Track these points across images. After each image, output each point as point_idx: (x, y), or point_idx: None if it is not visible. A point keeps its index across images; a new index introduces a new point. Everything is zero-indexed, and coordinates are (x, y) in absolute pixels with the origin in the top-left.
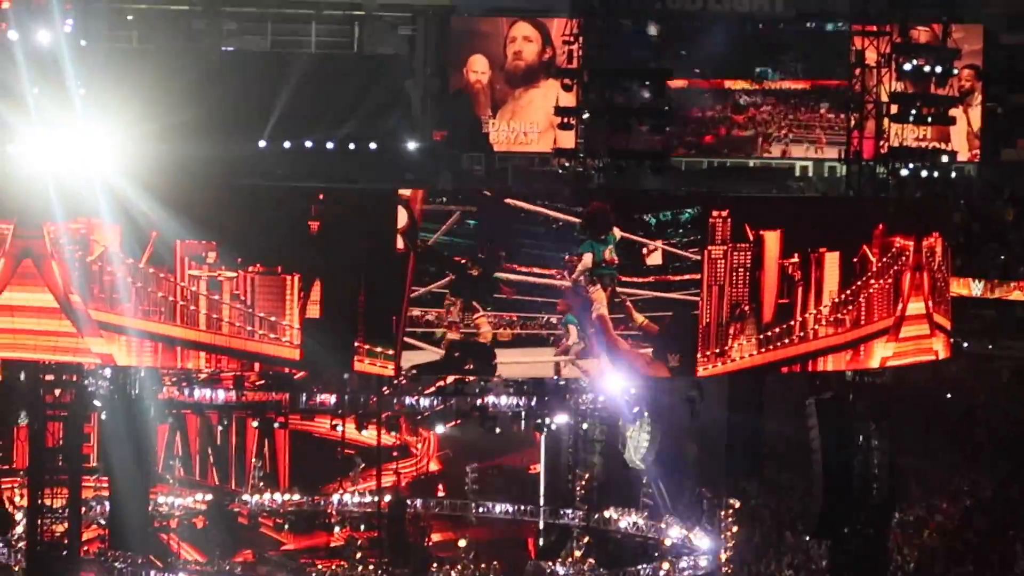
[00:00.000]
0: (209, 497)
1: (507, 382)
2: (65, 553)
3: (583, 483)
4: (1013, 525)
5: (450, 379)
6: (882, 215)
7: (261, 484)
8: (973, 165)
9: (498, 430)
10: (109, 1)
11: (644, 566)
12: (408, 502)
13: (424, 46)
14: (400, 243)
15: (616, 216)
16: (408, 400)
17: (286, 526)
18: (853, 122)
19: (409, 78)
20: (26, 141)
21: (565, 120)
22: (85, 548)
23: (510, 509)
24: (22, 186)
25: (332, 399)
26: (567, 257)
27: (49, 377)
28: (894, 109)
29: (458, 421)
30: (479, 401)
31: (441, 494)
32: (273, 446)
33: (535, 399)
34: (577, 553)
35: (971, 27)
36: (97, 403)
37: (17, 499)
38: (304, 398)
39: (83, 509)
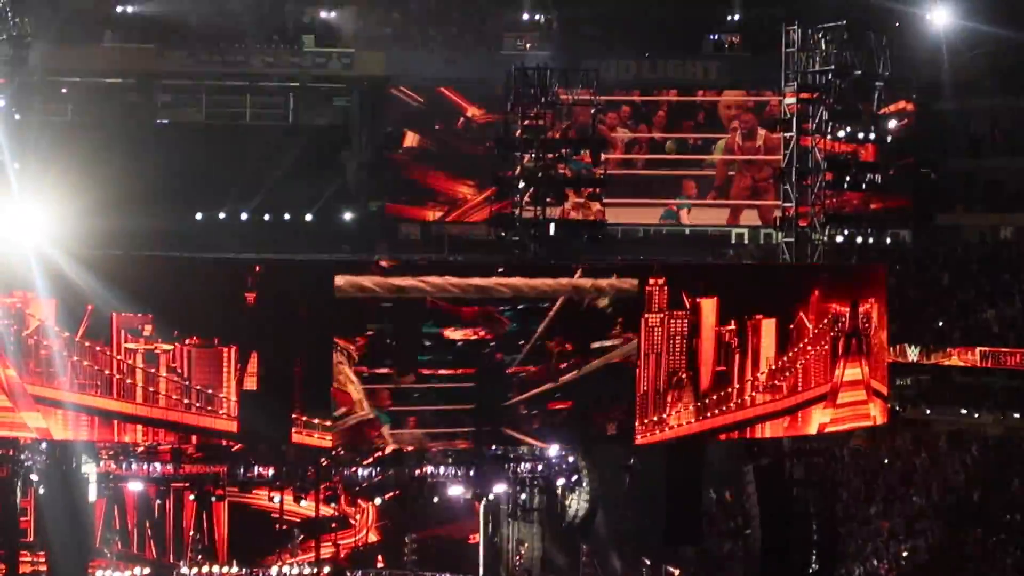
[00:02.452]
0: (147, 571)
1: (446, 452)
2: None
3: (522, 552)
4: None
5: (388, 449)
6: (818, 281)
7: (200, 557)
8: (908, 231)
9: (436, 499)
10: (43, 75)
11: None
12: (347, 574)
13: (359, 117)
14: None
15: None
16: (346, 471)
17: None
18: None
19: (345, 149)
20: None
21: (501, 189)
22: None
23: None
24: None
25: (270, 471)
26: None
27: None
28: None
29: (397, 492)
30: (417, 472)
31: (380, 565)
32: (212, 518)
33: (473, 469)
34: None
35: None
36: (34, 477)
37: None
38: (242, 470)
39: None
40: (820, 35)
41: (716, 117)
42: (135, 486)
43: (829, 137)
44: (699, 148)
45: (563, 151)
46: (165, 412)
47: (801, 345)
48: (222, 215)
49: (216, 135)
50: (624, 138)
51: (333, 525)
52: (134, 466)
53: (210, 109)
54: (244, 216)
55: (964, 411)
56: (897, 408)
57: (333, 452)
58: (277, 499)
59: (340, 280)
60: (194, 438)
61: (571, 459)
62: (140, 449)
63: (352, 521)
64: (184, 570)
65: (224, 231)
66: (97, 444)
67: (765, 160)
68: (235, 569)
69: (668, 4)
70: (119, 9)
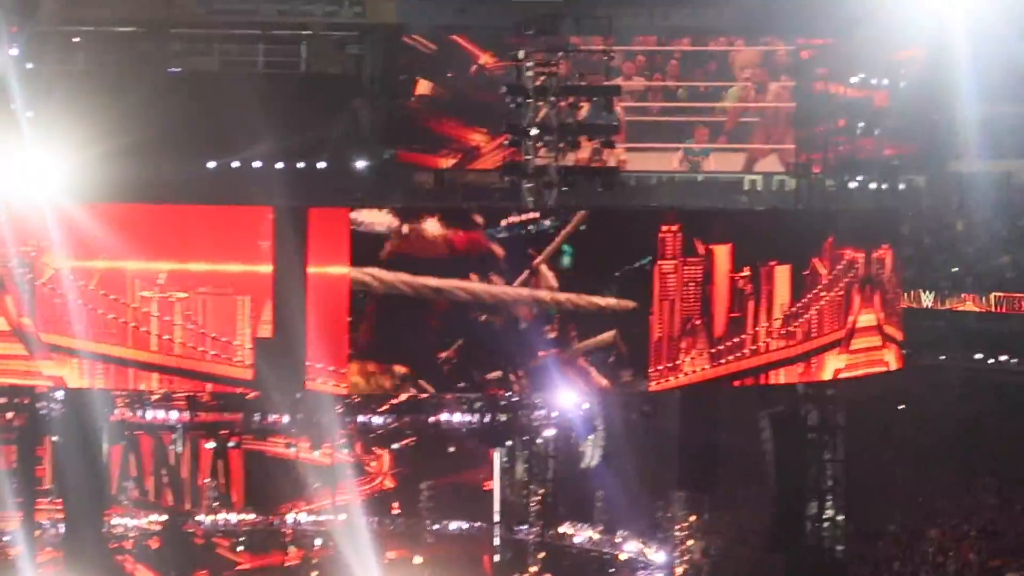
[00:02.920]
0: (164, 518)
1: (459, 399)
2: None
3: (537, 499)
4: (966, 535)
5: (403, 396)
6: (832, 228)
7: (216, 504)
8: (922, 177)
9: (451, 448)
10: (55, 24)
11: None
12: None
13: (372, 65)
14: None
15: None
16: (361, 418)
17: (241, 546)
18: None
19: (357, 97)
20: None
21: (513, 137)
22: (39, 572)
23: (465, 526)
24: None
25: (285, 419)
26: None
27: (1, 400)
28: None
29: (412, 439)
30: (433, 418)
31: (396, 512)
32: (227, 466)
33: (489, 416)
34: (533, 569)
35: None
36: (49, 426)
37: None
38: (257, 418)
39: (37, 532)
40: None
41: (727, 66)
42: (151, 433)
43: (842, 84)
44: (711, 96)
45: (576, 98)
46: (180, 360)
47: (815, 291)
48: (235, 163)
49: (229, 83)
50: (640, 87)
51: (349, 472)
52: (149, 414)
53: (223, 57)
54: (257, 164)
55: (978, 357)
56: (911, 354)
57: (348, 399)
58: (293, 447)
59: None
60: (209, 386)
61: (585, 405)
62: (155, 397)
63: (367, 468)
64: (200, 518)
65: (237, 179)
66: (112, 392)
67: (779, 108)
68: (251, 516)
69: None
70: None
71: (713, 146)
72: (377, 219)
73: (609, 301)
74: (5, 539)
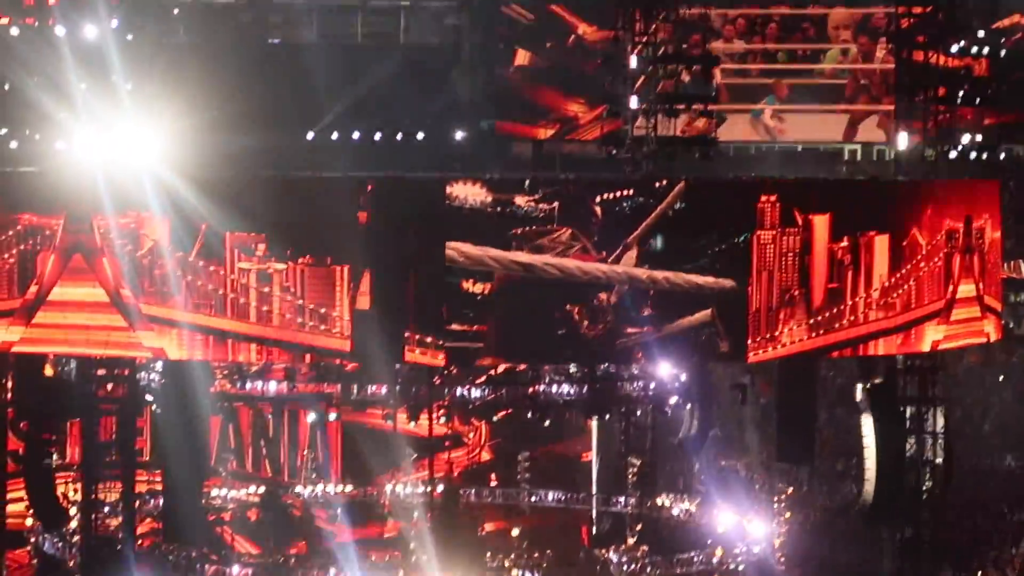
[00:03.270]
0: (262, 489)
1: (556, 369)
2: (119, 547)
3: (635, 470)
4: None
5: (500, 368)
6: (931, 197)
7: (314, 476)
8: (1022, 147)
9: (547, 423)
10: None
11: (697, 552)
12: (460, 492)
13: (470, 35)
14: None
15: None
16: (459, 390)
17: (339, 517)
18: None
19: (456, 67)
20: (74, 136)
21: (612, 107)
22: (139, 542)
23: (563, 497)
24: (71, 181)
25: (383, 390)
26: None
27: (101, 372)
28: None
29: (509, 410)
30: (530, 390)
31: (493, 483)
32: (325, 438)
33: (585, 387)
34: (630, 540)
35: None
36: (149, 397)
37: (71, 494)
38: (355, 389)
39: (137, 503)
40: None
41: (824, 30)
42: (250, 405)
43: (942, 52)
44: (809, 58)
45: (676, 67)
46: (279, 331)
47: (914, 262)
48: (334, 135)
49: (328, 55)
50: (740, 49)
51: (447, 444)
52: (248, 385)
53: (322, 29)
54: (356, 135)
55: None
56: (1011, 324)
57: (446, 371)
58: (391, 418)
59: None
60: (308, 357)
61: (683, 377)
62: (254, 368)
63: (465, 440)
64: (299, 489)
65: (336, 150)
66: (212, 363)
67: (879, 73)
68: (349, 488)
69: None
70: None
71: (795, 107)
72: (471, 192)
73: (707, 280)
74: (106, 510)
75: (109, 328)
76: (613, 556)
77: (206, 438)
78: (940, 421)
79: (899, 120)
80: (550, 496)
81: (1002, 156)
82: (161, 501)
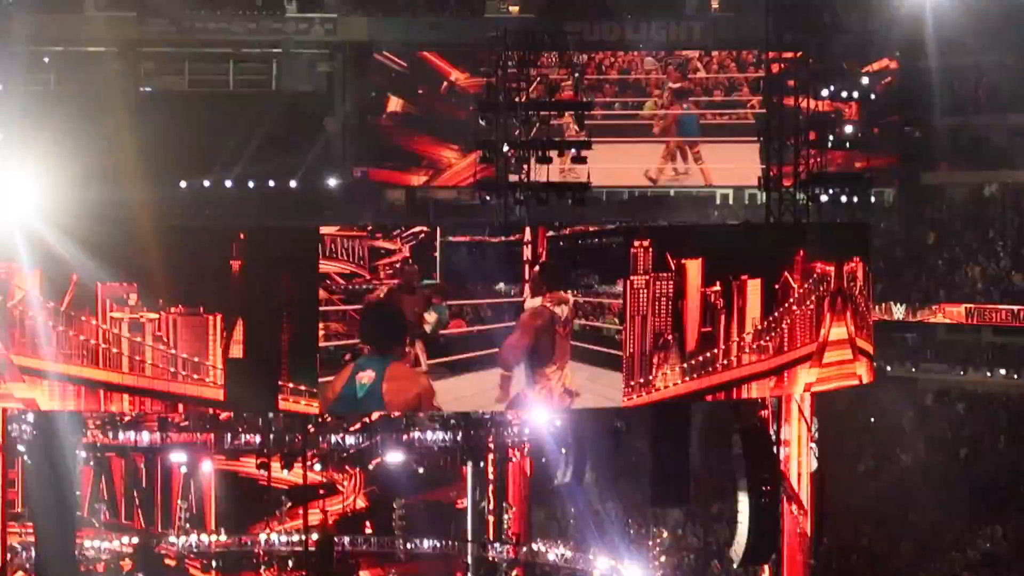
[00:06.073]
0: (136, 540)
1: (432, 416)
2: None
3: (510, 516)
4: (939, 549)
5: (375, 415)
6: (803, 241)
7: (188, 526)
8: (892, 190)
9: (420, 470)
10: (26, 44)
11: None
12: (336, 540)
13: (343, 83)
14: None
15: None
16: (334, 437)
17: (214, 567)
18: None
19: (328, 115)
20: None
21: (485, 153)
22: None
23: (438, 544)
24: None
25: (257, 438)
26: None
27: None
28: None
29: (383, 457)
30: (405, 436)
31: (369, 531)
32: (199, 487)
33: (461, 433)
34: None
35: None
36: (20, 448)
37: None
38: (229, 438)
39: (8, 555)
40: None
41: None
42: (122, 455)
43: (812, 96)
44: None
45: (547, 114)
46: (151, 381)
47: (787, 305)
48: (206, 183)
49: (200, 103)
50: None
51: (321, 492)
52: (121, 435)
53: (193, 77)
54: (228, 184)
55: (950, 368)
56: (884, 366)
57: (320, 419)
58: (264, 467)
59: None
60: (181, 406)
61: (557, 422)
62: (127, 418)
63: (340, 487)
64: (172, 539)
65: (209, 199)
66: (84, 414)
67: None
68: (223, 537)
69: None
70: None
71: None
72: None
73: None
74: None
75: None
76: None
77: (78, 489)
78: (813, 463)
79: (769, 163)
80: (426, 543)
81: (872, 199)
82: (33, 553)
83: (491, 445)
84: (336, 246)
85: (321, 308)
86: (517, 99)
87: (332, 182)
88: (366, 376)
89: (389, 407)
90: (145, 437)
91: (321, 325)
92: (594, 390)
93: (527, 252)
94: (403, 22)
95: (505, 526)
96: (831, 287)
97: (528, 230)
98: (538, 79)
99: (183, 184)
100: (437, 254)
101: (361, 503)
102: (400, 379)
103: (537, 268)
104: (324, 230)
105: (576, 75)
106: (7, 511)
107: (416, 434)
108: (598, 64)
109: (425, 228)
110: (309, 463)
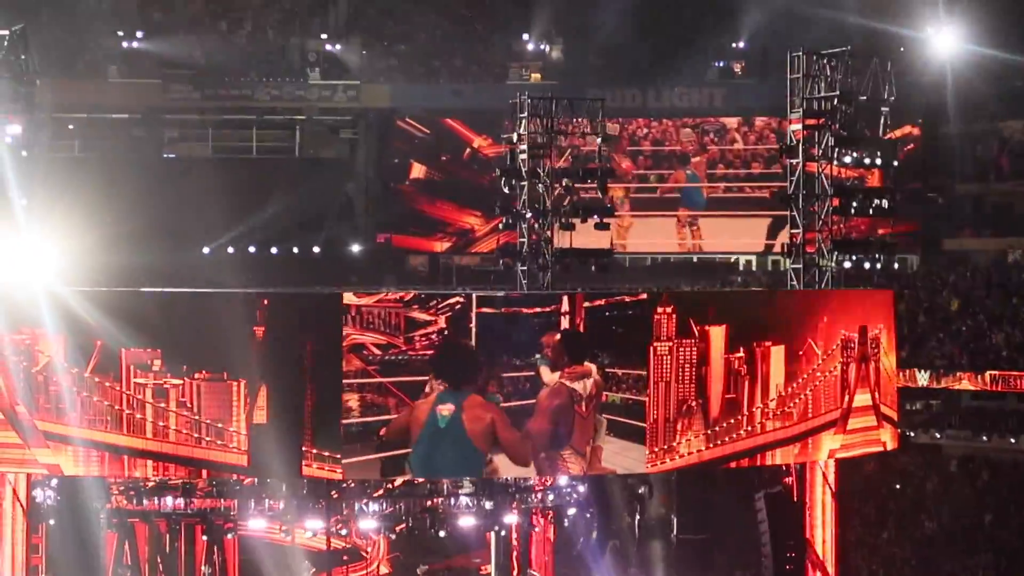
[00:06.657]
0: None
1: (456, 482)
2: None
3: None
4: None
5: (398, 481)
6: (826, 307)
7: None
8: (916, 256)
9: (442, 534)
10: (51, 111)
11: None
12: None
13: (365, 149)
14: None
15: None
16: (357, 504)
17: None
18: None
19: (351, 181)
20: None
21: (508, 219)
22: None
23: None
24: None
25: (281, 504)
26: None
27: None
28: (836, 202)
29: (408, 524)
30: (428, 503)
31: None
32: (223, 553)
33: (484, 500)
34: None
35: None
36: (45, 513)
37: None
38: (252, 504)
39: None
40: (825, 61)
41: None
42: (146, 521)
43: (835, 163)
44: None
45: (569, 181)
46: (175, 447)
47: (810, 371)
48: (230, 249)
49: (223, 169)
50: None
51: (345, 558)
52: (145, 501)
53: (216, 143)
54: (252, 249)
55: (975, 435)
56: (908, 433)
57: (344, 484)
58: (288, 533)
59: None
60: (204, 472)
61: (581, 488)
62: (151, 484)
63: (364, 553)
64: None
65: (232, 265)
66: (108, 479)
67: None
68: None
69: (672, 33)
70: (124, 45)
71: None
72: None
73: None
74: None
75: (3, 445)
76: None
77: (102, 555)
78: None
79: (792, 230)
80: None
81: (896, 266)
82: None
83: (515, 511)
84: (373, 316)
85: (357, 380)
86: (538, 165)
87: (355, 248)
88: (446, 408)
89: (471, 435)
90: (169, 502)
91: (357, 396)
92: (617, 459)
93: (564, 322)
94: (425, 89)
95: None
96: (855, 353)
97: (566, 300)
98: (569, 149)
99: (206, 250)
100: (472, 325)
101: (385, 569)
102: (475, 407)
103: (558, 337)
104: (359, 300)
105: (600, 142)
106: None
107: (440, 500)
108: (631, 135)
109: (460, 299)
110: (333, 529)
